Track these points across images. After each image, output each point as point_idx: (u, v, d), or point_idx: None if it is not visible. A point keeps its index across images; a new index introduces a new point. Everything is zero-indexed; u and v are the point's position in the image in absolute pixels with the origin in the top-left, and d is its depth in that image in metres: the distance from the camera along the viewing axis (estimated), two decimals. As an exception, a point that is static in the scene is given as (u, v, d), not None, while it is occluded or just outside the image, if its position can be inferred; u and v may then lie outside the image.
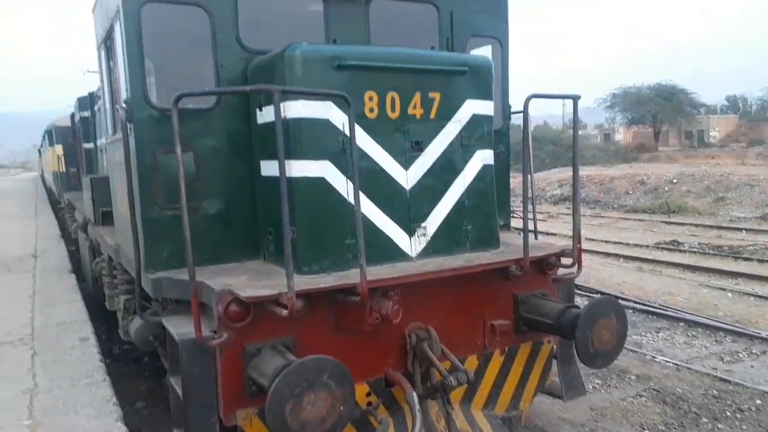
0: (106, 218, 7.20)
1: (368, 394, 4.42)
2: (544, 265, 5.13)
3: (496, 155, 5.15)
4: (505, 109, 6.10)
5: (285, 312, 3.71)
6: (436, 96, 4.64)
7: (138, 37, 4.46)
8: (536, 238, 6.12)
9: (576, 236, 4.90)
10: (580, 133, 5.15)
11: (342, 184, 4.34)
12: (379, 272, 4.24)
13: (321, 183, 4.29)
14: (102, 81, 6.02)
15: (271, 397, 3.43)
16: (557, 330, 4.83)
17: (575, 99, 4.76)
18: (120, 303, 6.24)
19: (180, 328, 4.11)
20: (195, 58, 5.04)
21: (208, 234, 4.67)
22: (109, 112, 5.84)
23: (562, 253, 5.10)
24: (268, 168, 4.59)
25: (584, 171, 33.18)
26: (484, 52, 6.00)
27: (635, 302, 11.24)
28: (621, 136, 73.46)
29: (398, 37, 5.44)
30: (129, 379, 7.95)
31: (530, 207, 5.23)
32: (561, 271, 5.23)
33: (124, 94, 4.65)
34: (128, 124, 4.49)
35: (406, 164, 4.61)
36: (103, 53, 5.64)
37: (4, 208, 25.15)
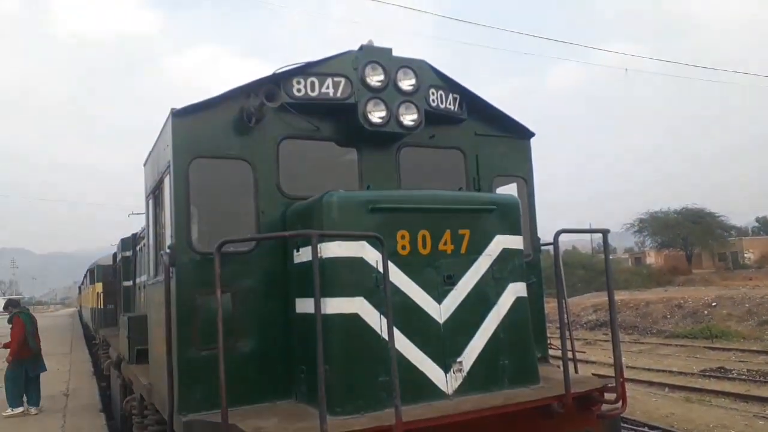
0: (140, 357, 7.24)
1: None
2: (588, 400, 4.93)
3: (528, 286, 5.19)
4: (534, 241, 6.22)
5: (318, 457, 3.60)
6: (465, 233, 4.80)
7: (185, 189, 4.83)
8: (576, 371, 5.93)
9: (618, 370, 4.76)
10: (610, 257, 5.18)
11: (375, 320, 4.38)
12: (414, 413, 4.13)
13: (355, 319, 4.34)
14: (148, 226, 6.39)
15: None
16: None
17: (605, 233, 4.87)
18: (150, 446, 6.10)
19: (210, 475, 4.00)
20: (237, 205, 5.36)
21: (241, 374, 4.67)
22: (152, 254, 6.13)
23: (605, 388, 4.92)
24: (303, 306, 4.69)
25: (619, 296, 32.40)
26: (509, 188, 6.26)
27: (688, 437, 10.49)
28: (652, 259, 72.44)
29: (427, 178, 5.75)
30: None
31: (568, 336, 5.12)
32: (605, 406, 5.02)
33: (168, 240, 4.93)
34: (171, 268, 4.70)
35: (438, 298, 4.66)
36: (151, 201, 6.05)
37: (42, 344, 25.34)
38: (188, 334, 4.65)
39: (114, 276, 15.69)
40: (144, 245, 9.21)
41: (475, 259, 4.84)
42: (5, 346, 11.41)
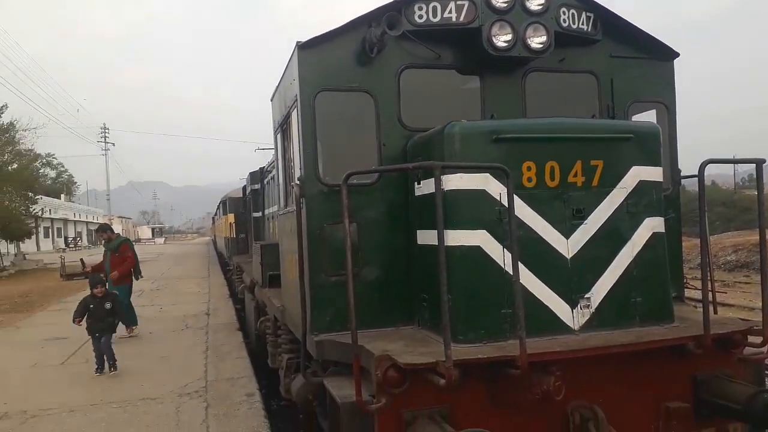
0: (272, 281, 7.77)
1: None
2: (728, 343, 4.61)
3: (666, 222, 4.84)
4: (674, 174, 5.75)
5: (442, 381, 3.69)
6: (598, 164, 4.51)
7: (312, 122, 4.94)
8: (715, 311, 5.54)
9: (766, 312, 4.37)
10: (763, 191, 4.67)
11: (498, 253, 4.31)
12: (538, 345, 4.07)
13: (477, 252, 4.30)
14: (277, 159, 6.67)
15: None
16: (747, 417, 4.27)
17: (759, 163, 4.36)
18: (283, 361, 6.60)
19: (341, 390, 4.27)
20: (359, 138, 5.41)
21: (366, 299, 4.83)
22: (281, 186, 6.42)
23: (750, 330, 4.56)
24: (425, 237, 4.72)
25: (763, 235, 29.50)
26: (648, 116, 5.77)
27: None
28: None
29: (555, 106, 5.43)
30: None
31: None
32: (747, 350, 4.67)
33: (298, 173, 5.12)
34: (301, 199, 4.90)
35: (566, 233, 4.47)
36: (279, 136, 6.28)
37: (184, 269, 28.19)
38: (318, 261, 4.87)
39: (244, 207, 16.81)
40: (272, 178, 9.70)
41: (608, 192, 4.56)
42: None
